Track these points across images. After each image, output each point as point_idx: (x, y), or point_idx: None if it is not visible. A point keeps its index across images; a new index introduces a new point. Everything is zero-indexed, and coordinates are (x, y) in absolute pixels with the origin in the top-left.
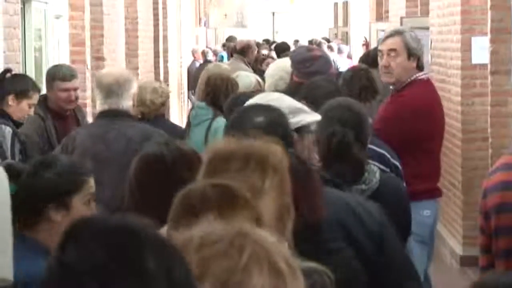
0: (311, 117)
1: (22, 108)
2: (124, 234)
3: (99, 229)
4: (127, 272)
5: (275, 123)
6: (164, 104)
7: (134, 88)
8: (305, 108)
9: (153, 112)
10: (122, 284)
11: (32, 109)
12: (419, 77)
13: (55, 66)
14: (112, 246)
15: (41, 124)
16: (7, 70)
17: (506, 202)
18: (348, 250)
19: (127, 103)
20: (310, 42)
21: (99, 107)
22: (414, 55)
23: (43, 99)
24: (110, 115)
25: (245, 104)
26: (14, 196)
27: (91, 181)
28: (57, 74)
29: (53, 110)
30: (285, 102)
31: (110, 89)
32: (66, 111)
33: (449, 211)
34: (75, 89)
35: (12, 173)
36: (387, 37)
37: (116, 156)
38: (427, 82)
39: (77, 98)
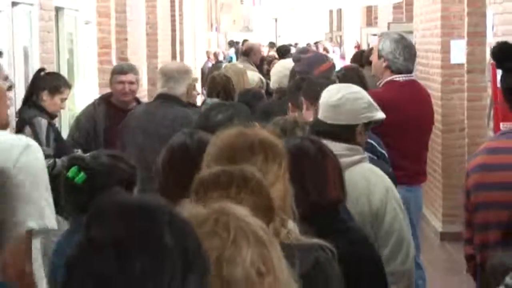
0: (380, 115)
1: (55, 103)
2: (144, 212)
3: (120, 209)
4: (145, 247)
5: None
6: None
7: (190, 79)
8: (377, 106)
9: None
10: (141, 257)
11: (64, 104)
12: (394, 79)
13: (117, 64)
14: (132, 223)
15: (91, 111)
16: (41, 69)
17: (483, 182)
18: (360, 230)
19: (181, 89)
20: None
21: (158, 90)
22: (381, 56)
23: (107, 96)
24: (164, 98)
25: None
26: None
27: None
28: (116, 68)
29: (114, 105)
30: (364, 96)
31: (170, 76)
32: (126, 104)
33: (430, 193)
34: (130, 83)
35: (81, 164)
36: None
37: (160, 132)
38: (400, 83)
39: (132, 91)
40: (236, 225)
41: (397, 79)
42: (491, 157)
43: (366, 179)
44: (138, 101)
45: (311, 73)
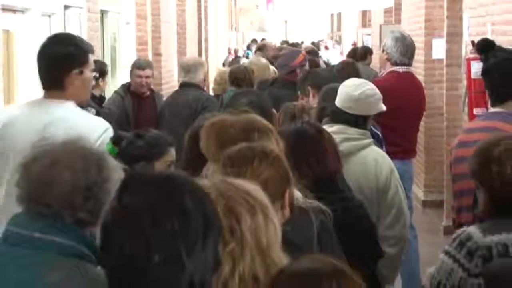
0: (384, 107)
1: (98, 84)
2: (168, 181)
3: (149, 179)
4: (171, 210)
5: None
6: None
7: (205, 69)
8: (378, 98)
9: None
10: (168, 218)
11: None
12: (396, 70)
13: (137, 59)
14: (159, 191)
15: (120, 101)
16: None
17: (460, 156)
18: (356, 199)
19: (199, 78)
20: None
21: (181, 80)
22: (384, 50)
23: (128, 85)
24: (186, 85)
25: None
26: (116, 157)
27: (172, 151)
28: (135, 64)
29: (133, 92)
30: (377, 92)
31: (189, 68)
32: (142, 93)
33: (414, 167)
34: (147, 77)
35: (117, 140)
36: None
37: (183, 112)
38: (399, 74)
39: (148, 84)
40: (235, 193)
41: (397, 70)
42: (467, 135)
43: (375, 160)
44: (151, 90)
45: (290, 65)
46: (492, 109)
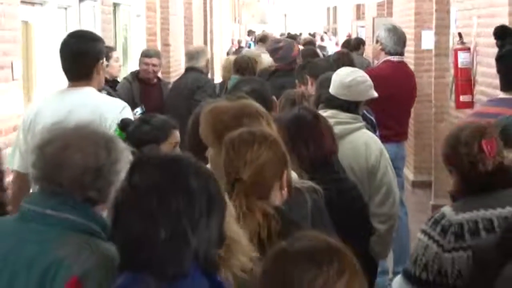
0: (375, 93)
1: (112, 66)
2: (174, 163)
3: (156, 161)
4: (176, 190)
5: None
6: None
7: (207, 55)
8: (372, 85)
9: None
10: (174, 198)
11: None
12: (390, 59)
13: (146, 48)
14: (165, 172)
15: (128, 86)
16: None
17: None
18: (350, 181)
19: (202, 63)
20: (313, 34)
21: (186, 65)
22: (378, 41)
23: (137, 72)
24: (190, 69)
25: None
26: (124, 141)
27: (176, 133)
28: (144, 52)
29: (140, 79)
30: (368, 79)
31: (192, 55)
32: (149, 80)
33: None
34: (154, 65)
35: (124, 125)
36: None
37: (182, 92)
38: (393, 63)
39: (154, 71)
40: None
41: (392, 59)
42: (477, 119)
43: (365, 143)
44: (158, 78)
45: (290, 56)
46: (501, 95)
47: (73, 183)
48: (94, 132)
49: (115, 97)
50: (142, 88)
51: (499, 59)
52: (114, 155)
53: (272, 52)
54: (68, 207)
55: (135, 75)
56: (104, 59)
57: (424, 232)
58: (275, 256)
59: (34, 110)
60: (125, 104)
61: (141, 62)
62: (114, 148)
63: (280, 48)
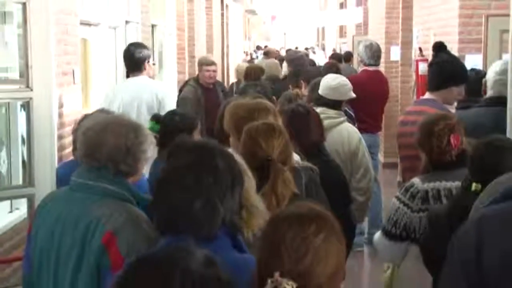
0: (353, 94)
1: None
2: (204, 147)
3: (190, 146)
4: (207, 169)
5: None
6: None
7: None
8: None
9: None
10: (206, 175)
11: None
12: (368, 69)
13: (203, 57)
14: (197, 154)
15: (193, 91)
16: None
17: (400, 132)
18: (334, 162)
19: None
20: (307, 48)
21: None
22: (359, 55)
23: (197, 77)
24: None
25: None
26: (159, 131)
27: (199, 124)
28: (203, 61)
29: (201, 84)
30: (348, 83)
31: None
32: (209, 84)
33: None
34: (214, 71)
35: (157, 118)
36: None
37: None
38: (370, 71)
39: (214, 76)
40: None
41: (368, 68)
42: (406, 116)
43: (347, 133)
44: (214, 83)
45: (304, 65)
46: (427, 95)
47: (108, 159)
48: (125, 120)
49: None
50: (203, 91)
51: (430, 66)
52: (140, 138)
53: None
54: (105, 178)
55: (196, 80)
56: (151, 60)
57: (397, 198)
58: (270, 220)
59: (113, 91)
60: (169, 88)
61: (202, 70)
62: (140, 132)
63: (297, 59)
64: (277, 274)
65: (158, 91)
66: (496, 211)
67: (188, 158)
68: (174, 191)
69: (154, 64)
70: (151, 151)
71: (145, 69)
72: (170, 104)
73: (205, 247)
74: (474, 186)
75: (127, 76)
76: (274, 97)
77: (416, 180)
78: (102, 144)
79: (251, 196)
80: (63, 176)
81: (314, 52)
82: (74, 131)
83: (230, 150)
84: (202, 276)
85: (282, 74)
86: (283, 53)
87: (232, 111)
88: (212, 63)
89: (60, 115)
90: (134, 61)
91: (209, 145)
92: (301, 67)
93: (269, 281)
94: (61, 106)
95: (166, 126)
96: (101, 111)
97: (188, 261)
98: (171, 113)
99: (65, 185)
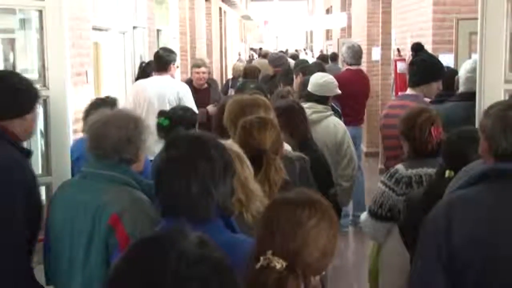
0: (339, 91)
1: None
2: (199, 139)
3: (187, 138)
4: (200, 157)
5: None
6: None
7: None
8: (335, 85)
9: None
10: (201, 164)
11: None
12: (350, 68)
13: (194, 60)
14: (193, 145)
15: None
16: (142, 62)
17: (384, 124)
18: (320, 152)
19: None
20: (297, 49)
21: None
22: (342, 55)
23: (190, 80)
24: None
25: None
26: (168, 125)
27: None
28: (195, 64)
29: (194, 86)
30: (334, 80)
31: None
32: (200, 85)
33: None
34: (203, 73)
35: (165, 114)
36: None
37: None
38: (352, 70)
39: (204, 78)
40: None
41: (351, 68)
42: (390, 110)
43: (334, 125)
44: (208, 83)
45: (285, 64)
46: (408, 91)
47: (112, 149)
48: (124, 114)
49: None
50: (196, 91)
51: (410, 64)
52: (139, 128)
53: (274, 61)
54: (111, 167)
55: (190, 82)
56: (176, 63)
57: (382, 182)
58: (269, 204)
59: (138, 88)
60: (187, 87)
61: (193, 72)
62: (139, 123)
63: (282, 57)
64: (269, 253)
65: (179, 90)
66: (462, 196)
67: (186, 149)
68: (173, 178)
69: (177, 67)
70: (150, 140)
71: (170, 70)
72: (188, 101)
73: (201, 228)
74: (447, 173)
75: (138, 77)
76: (268, 94)
77: (400, 167)
78: (106, 136)
79: (250, 183)
80: (74, 149)
81: (306, 53)
82: (84, 118)
83: (230, 141)
84: (195, 256)
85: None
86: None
87: (231, 106)
88: (200, 66)
89: (75, 111)
90: (163, 62)
91: (204, 137)
92: (282, 66)
93: (261, 258)
94: (75, 103)
95: (173, 121)
96: (103, 102)
97: (182, 242)
98: (172, 108)
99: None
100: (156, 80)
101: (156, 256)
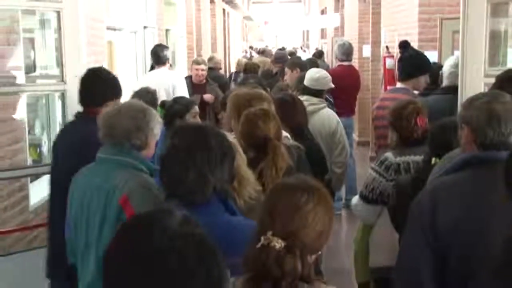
0: (332, 85)
1: None
2: (200, 129)
3: (189, 128)
4: (200, 146)
5: (259, 82)
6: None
7: (217, 59)
8: (329, 79)
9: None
10: (200, 152)
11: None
12: (342, 64)
13: (195, 58)
14: (193, 135)
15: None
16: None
17: (376, 115)
18: (315, 141)
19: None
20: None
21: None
22: (335, 52)
23: (190, 76)
24: (210, 68)
25: None
26: (163, 116)
27: (196, 107)
28: (194, 61)
29: (192, 82)
30: (328, 75)
31: (210, 59)
32: (199, 82)
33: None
34: (202, 70)
35: (163, 105)
36: None
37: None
38: (344, 66)
39: (202, 75)
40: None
41: (343, 64)
42: (382, 102)
43: (327, 116)
44: (206, 79)
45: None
46: (398, 84)
47: (123, 136)
48: (134, 104)
49: None
50: (194, 86)
51: (399, 61)
52: (147, 117)
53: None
54: (122, 153)
55: (189, 78)
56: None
57: (373, 169)
58: (271, 189)
59: (144, 79)
60: (182, 77)
61: (193, 69)
62: (147, 113)
63: (284, 54)
64: (269, 233)
65: (173, 80)
66: (445, 181)
67: (187, 138)
68: (174, 165)
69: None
70: (158, 128)
71: (167, 63)
72: (181, 90)
73: (200, 210)
74: (433, 160)
75: (152, 68)
76: (268, 88)
77: (389, 155)
78: (117, 124)
79: (242, 169)
80: None
81: (304, 51)
82: None
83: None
84: (176, 232)
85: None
86: (274, 52)
87: (234, 98)
88: (200, 63)
89: None
90: (159, 57)
91: (204, 127)
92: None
93: (262, 238)
94: None
95: (168, 110)
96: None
97: (167, 220)
98: (173, 100)
99: None
100: (155, 73)
101: (143, 231)
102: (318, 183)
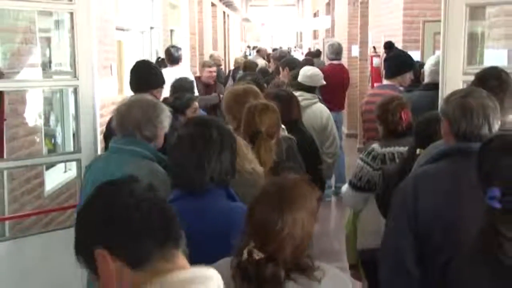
0: (324, 82)
1: None
2: (203, 122)
3: (194, 121)
4: (203, 137)
5: (256, 79)
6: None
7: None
8: (321, 77)
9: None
10: (199, 143)
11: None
12: (333, 63)
13: (206, 60)
14: (197, 127)
15: (194, 86)
16: (159, 57)
17: (365, 110)
18: (309, 133)
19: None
20: (289, 47)
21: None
22: (326, 53)
23: (199, 77)
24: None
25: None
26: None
27: (195, 103)
28: (205, 64)
29: (203, 82)
30: (320, 72)
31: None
32: (209, 82)
33: (343, 115)
34: (214, 71)
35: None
36: None
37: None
38: (334, 64)
39: (213, 76)
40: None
41: (333, 62)
42: (370, 98)
43: (319, 110)
44: (215, 81)
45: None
46: (385, 81)
47: (134, 128)
48: (145, 99)
49: None
50: (204, 87)
51: (385, 60)
52: (157, 111)
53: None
54: (133, 143)
55: (199, 78)
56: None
57: (361, 159)
58: (251, 204)
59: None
60: (192, 75)
61: (204, 71)
62: (158, 107)
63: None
64: (251, 245)
65: (191, 78)
66: (426, 170)
67: (190, 130)
68: (179, 155)
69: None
70: (167, 121)
71: (180, 62)
72: (195, 88)
73: (202, 197)
74: (418, 150)
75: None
76: (265, 84)
77: (375, 146)
78: (129, 117)
79: (245, 163)
80: None
81: (295, 51)
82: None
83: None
84: (142, 196)
85: (270, 68)
86: (269, 51)
87: (230, 94)
88: (212, 66)
89: (101, 99)
90: (173, 57)
91: (208, 120)
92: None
93: (244, 251)
94: (101, 92)
95: (171, 105)
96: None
97: (134, 186)
98: (175, 97)
99: None
100: (170, 71)
101: (112, 192)
102: (302, 190)
